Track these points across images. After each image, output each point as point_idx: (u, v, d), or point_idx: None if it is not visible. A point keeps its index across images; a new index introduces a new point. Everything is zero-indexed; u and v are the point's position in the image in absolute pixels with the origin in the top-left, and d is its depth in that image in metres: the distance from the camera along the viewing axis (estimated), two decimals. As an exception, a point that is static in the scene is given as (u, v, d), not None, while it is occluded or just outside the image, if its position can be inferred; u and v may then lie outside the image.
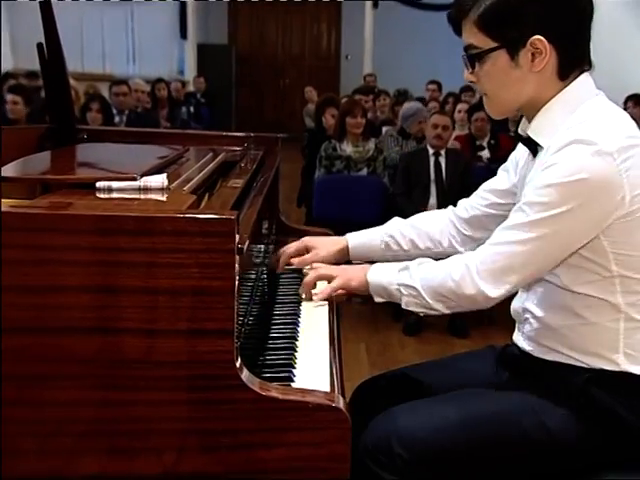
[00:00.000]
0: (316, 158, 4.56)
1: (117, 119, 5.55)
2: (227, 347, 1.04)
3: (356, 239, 1.65)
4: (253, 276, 1.57)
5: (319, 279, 1.51)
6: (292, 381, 1.17)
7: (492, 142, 5.00)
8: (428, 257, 1.43)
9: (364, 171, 4.48)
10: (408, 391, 1.47)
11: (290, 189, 6.18)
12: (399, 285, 1.36)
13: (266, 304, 1.57)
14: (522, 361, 1.42)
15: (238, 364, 1.06)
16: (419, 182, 4.17)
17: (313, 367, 1.23)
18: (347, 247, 1.63)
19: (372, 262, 1.48)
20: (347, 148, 4.45)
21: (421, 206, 4.08)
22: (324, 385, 1.15)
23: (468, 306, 1.31)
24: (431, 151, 4.21)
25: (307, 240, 1.65)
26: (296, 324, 1.42)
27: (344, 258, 1.62)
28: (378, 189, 4.41)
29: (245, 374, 1.06)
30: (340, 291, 1.47)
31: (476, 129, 5.02)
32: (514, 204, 1.32)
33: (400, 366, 1.60)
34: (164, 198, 1.21)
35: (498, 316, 3.78)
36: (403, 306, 1.36)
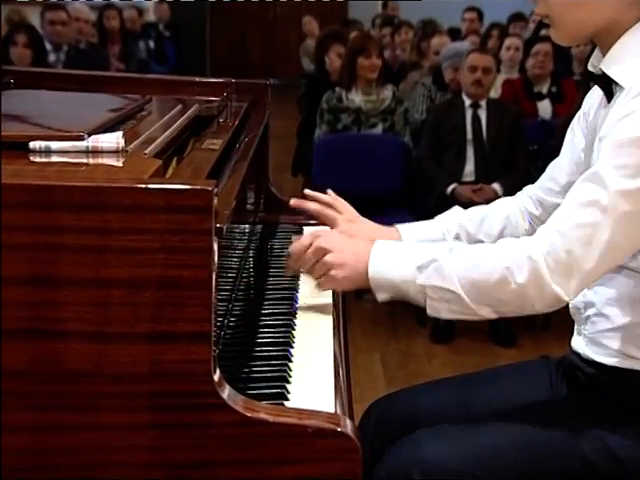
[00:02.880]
0: (316, 112, 4.56)
1: (52, 57, 5.51)
2: (203, 355, 1.06)
3: (410, 233, 1.61)
4: (236, 265, 1.58)
5: (313, 253, 1.43)
6: (286, 399, 1.18)
7: (553, 90, 4.94)
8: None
9: (379, 128, 4.48)
10: (435, 412, 1.49)
11: (283, 152, 6.17)
12: (425, 287, 1.33)
13: (253, 301, 1.58)
14: (583, 371, 1.44)
15: (217, 377, 1.07)
16: (452, 143, 4.17)
17: (313, 382, 1.25)
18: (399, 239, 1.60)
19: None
20: (357, 98, 4.45)
21: (454, 175, 4.09)
22: (327, 405, 1.16)
23: (529, 311, 1.30)
24: (468, 102, 4.21)
25: (343, 229, 1.59)
26: (291, 327, 1.44)
27: None
28: (397, 152, 4.42)
29: (226, 390, 1.08)
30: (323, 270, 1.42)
31: (534, 69, 4.88)
32: None
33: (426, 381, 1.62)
34: (119, 163, 1.22)
35: (554, 319, 3.80)
36: (429, 312, 1.34)
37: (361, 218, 1.68)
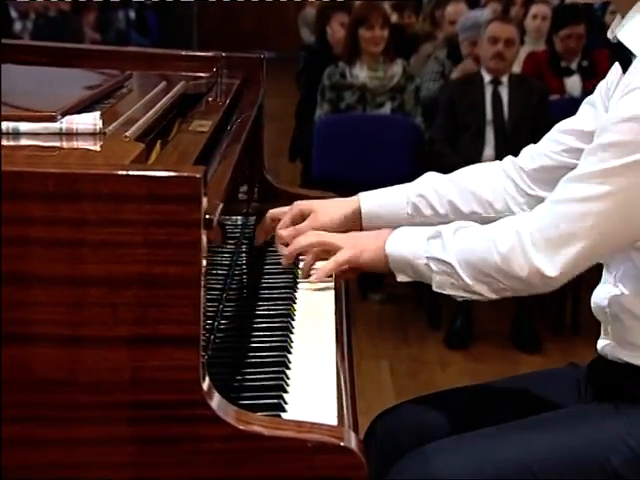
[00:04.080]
0: (317, 89, 4.57)
1: (18, 26, 5.49)
2: (190, 361, 1.06)
3: (371, 200, 1.69)
4: (227, 261, 1.59)
5: (316, 246, 1.55)
6: (283, 410, 1.19)
7: (584, 64, 4.91)
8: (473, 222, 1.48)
9: (387, 107, 4.49)
10: (448, 424, 1.50)
11: (279, 135, 6.18)
12: (429, 259, 1.42)
13: (246, 301, 1.59)
14: (611, 376, 1.46)
15: (206, 386, 1.08)
16: (469, 124, 4.18)
17: (313, 392, 1.25)
18: (359, 210, 1.68)
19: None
20: (361, 73, 4.45)
21: (472, 159, 4.10)
22: (329, 417, 1.17)
23: (520, 289, 1.38)
24: (487, 78, 4.21)
25: (302, 204, 1.69)
26: (289, 330, 1.45)
27: (354, 226, 1.66)
28: (408, 134, 4.43)
29: (216, 400, 1.08)
30: (345, 267, 1.52)
31: (563, 42, 4.81)
32: None
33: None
34: (97, 147, 1.23)
35: (584, 321, 3.82)
36: (435, 287, 1.43)
37: (322, 200, 1.74)
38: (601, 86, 1.56)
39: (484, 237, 1.39)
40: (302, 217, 1.66)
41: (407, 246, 1.45)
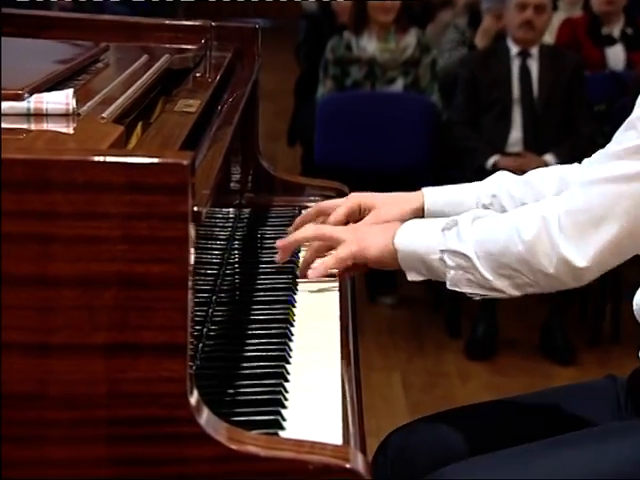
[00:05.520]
0: (319, 64, 4.57)
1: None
2: (176, 372, 1.07)
3: (437, 197, 1.70)
4: (218, 259, 1.59)
5: (315, 239, 1.57)
6: (281, 428, 1.19)
7: (628, 31, 4.88)
8: None
9: (399, 84, 4.49)
10: (469, 444, 1.51)
11: (277, 116, 6.19)
12: (443, 252, 1.43)
13: (239, 305, 1.60)
14: None
15: (194, 400, 1.08)
16: (493, 103, 4.19)
17: (315, 407, 1.26)
18: (422, 208, 1.69)
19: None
20: (370, 45, 4.46)
21: (496, 143, 4.10)
22: (333, 435, 1.18)
23: (546, 284, 1.38)
24: (515, 50, 4.22)
25: (361, 197, 1.70)
26: (287, 337, 1.45)
27: None
28: (423, 115, 4.44)
29: (205, 416, 1.09)
30: (348, 263, 1.53)
31: (602, 5, 4.79)
32: None
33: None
34: (69, 130, 1.23)
35: (625, 329, 3.82)
36: (449, 285, 1.43)
37: (380, 194, 1.73)
38: None
39: (506, 225, 1.40)
40: (359, 213, 1.68)
41: (419, 239, 1.46)
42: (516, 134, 4.14)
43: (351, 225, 1.61)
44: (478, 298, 1.44)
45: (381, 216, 1.64)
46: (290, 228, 1.74)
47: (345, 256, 1.52)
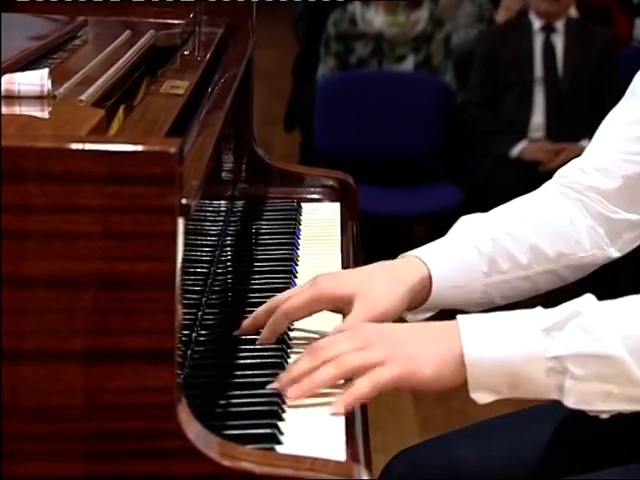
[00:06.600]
0: (320, 40, 4.57)
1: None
2: (162, 381, 1.07)
3: (440, 259, 1.48)
4: (208, 257, 1.60)
5: (343, 376, 1.28)
6: (278, 442, 1.20)
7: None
8: (555, 275, 1.47)
9: (409, 62, 4.49)
10: (489, 465, 1.52)
11: (273, 98, 6.18)
12: (559, 360, 1.22)
13: (231, 307, 1.61)
14: None
15: (182, 412, 1.08)
16: (513, 83, 4.19)
17: (315, 420, 1.26)
18: (426, 280, 1.46)
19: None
20: (377, 19, 4.46)
21: (516, 127, 4.08)
22: (335, 450, 1.18)
23: None
24: (538, 24, 4.22)
25: (330, 286, 1.42)
26: (285, 343, 1.46)
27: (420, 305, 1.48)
28: (436, 96, 4.44)
29: (195, 430, 1.09)
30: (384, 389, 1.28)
31: None
32: None
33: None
34: (45, 114, 1.24)
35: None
36: (573, 404, 1.23)
37: (360, 270, 1.51)
38: None
39: None
40: (339, 301, 1.42)
41: (504, 344, 1.23)
42: (538, 118, 4.15)
43: (369, 328, 1.34)
44: (607, 416, 1.24)
45: (375, 310, 1.39)
46: (246, 322, 1.45)
47: (385, 382, 1.26)
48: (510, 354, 1.22)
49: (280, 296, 1.44)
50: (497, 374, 1.23)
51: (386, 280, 1.43)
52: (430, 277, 1.46)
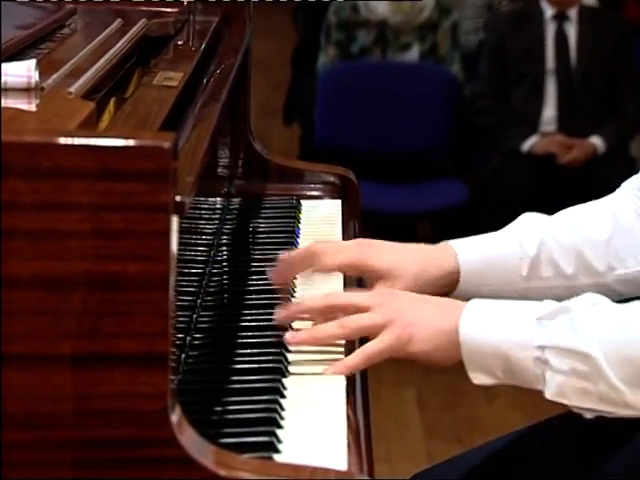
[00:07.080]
0: (320, 28, 4.57)
1: None
2: (155, 387, 1.07)
3: (472, 250, 1.56)
4: (203, 256, 1.60)
5: (343, 337, 1.42)
6: (276, 451, 1.20)
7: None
8: (606, 289, 1.45)
9: (414, 51, 4.49)
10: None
11: (271, 90, 6.18)
12: (544, 349, 1.28)
13: (227, 309, 1.61)
14: None
15: (176, 419, 1.09)
16: (524, 74, 4.19)
17: (315, 427, 1.27)
18: (455, 269, 1.55)
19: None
20: (380, 6, 4.45)
21: (527, 120, 4.08)
22: (336, 459, 1.18)
23: None
24: (550, 12, 4.21)
25: (354, 259, 1.55)
26: (283, 347, 1.45)
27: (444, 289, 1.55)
28: (442, 87, 4.44)
29: (189, 437, 1.09)
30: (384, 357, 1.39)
31: None
32: None
33: (486, 437, 1.65)
34: (32, 106, 1.24)
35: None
36: (550, 395, 1.30)
37: (384, 243, 1.62)
38: None
39: None
40: (358, 271, 1.57)
41: (500, 329, 1.30)
42: (549, 111, 4.14)
43: (379, 291, 1.47)
44: (590, 416, 1.30)
45: (397, 284, 1.50)
46: (280, 263, 1.57)
47: (375, 352, 1.37)
48: (502, 338, 1.30)
49: (324, 246, 1.57)
50: (489, 355, 1.31)
51: (420, 264, 1.53)
52: (459, 272, 1.55)
